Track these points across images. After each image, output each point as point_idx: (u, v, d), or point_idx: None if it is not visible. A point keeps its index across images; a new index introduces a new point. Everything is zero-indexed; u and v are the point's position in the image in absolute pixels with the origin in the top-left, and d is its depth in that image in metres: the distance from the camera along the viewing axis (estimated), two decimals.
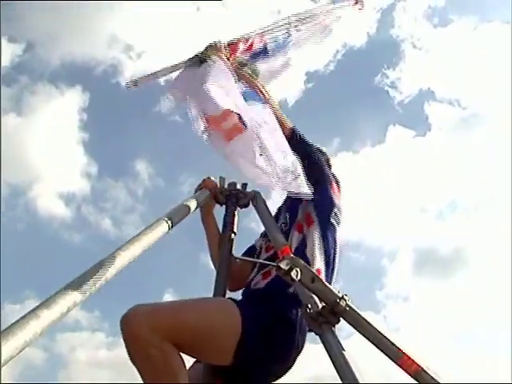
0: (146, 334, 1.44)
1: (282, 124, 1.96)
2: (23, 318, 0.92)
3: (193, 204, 1.84)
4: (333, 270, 1.91)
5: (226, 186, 2.22)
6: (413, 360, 1.48)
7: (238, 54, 2.42)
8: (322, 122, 15.63)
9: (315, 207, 1.94)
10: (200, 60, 2.23)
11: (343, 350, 1.47)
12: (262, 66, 2.50)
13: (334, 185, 2.03)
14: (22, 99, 14.91)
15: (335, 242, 1.93)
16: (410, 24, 15.64)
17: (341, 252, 1.97)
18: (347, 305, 1.51)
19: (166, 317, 1.52)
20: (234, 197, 2.17)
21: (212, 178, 2.16)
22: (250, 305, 1.76)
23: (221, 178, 2.22)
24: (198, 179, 2.23)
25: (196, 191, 2.11)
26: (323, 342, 1.50)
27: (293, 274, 1.49)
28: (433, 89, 15.92)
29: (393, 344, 1.50)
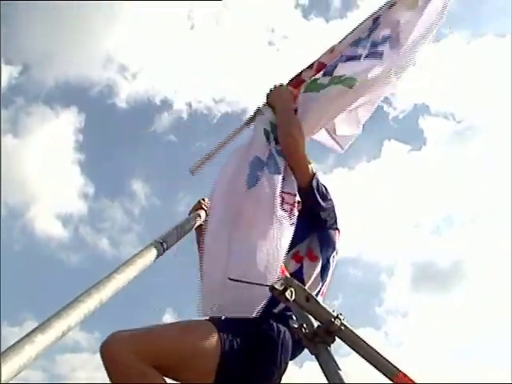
0: (126, 358, 1.46)
1: (299, 172, 1.98)
2: (18, 342, 0.92)
3: (187, 226, 1.86)
4: None
5: None
6: (409, 377, 1.49)
7: (306, 80, 2.27)
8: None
9: (321, 246, 1.99)
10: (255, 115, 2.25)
11: (339, 369, 1.47)
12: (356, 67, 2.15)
13: (338, 234, 2.09)
14: (18, 121, 15.02)
15: (326, 280, 1.99)
16: None
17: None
18: (342, 324, 1.51)
19: (144, 341, 1.54)
20: None
21: (207, 200, 2.17)
22: (232, 325, 1.76)
23: None
24: (194, 198, 2.25)
25: (191, 213, 2.12)
26: (319, 362, 1.50)
27: (287, 294, 1.50)
28: (427, 103, 16.05)
29: (388, 362, 1.51)
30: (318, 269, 1.95)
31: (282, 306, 1.79)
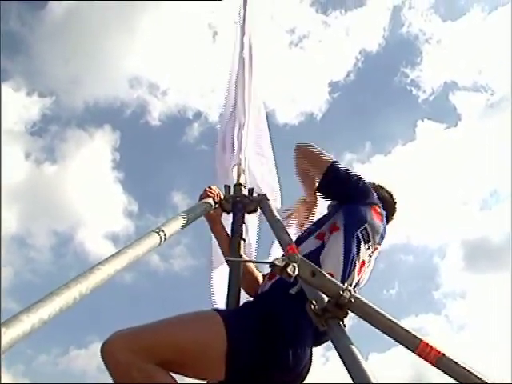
0: (127, 357, 1.40)
1: (317, 164, 2.01)
2: None
3: (191, 215, 1.81)
4: (348, 279, 1.79)
5: (231, 193, 2.18)
6: (431, 346, 1.37)
7: None
8: (352, 128, 15.62)
9: (344, 217, 1.89)
10: None
11: (351, 344, 1.37)
12: None
13: (377, 209, 1.97)
14: (54, 148, 15.46)
15: (357, 256, 1.84)
16: (419, 20, 15.34)
17: (364, 270, 1.90)
18: (352, 296, 1.41)
19: (144, 338, 1.48)
20: (241, 203, 2.12)
21: (214, 187, 2.12)
22: (240, 310, 1.68)
23: (225, 186, 2.19)
24: None
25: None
26: (330, 338, 1.41)
27: (289, 269, 1.42)
28: (455, 80, 15.57)
29: (407, 332, 1.39)
30: (340, 238, 1.82)
31: (299, 286, 1.70)
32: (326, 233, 1.89)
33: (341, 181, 1.96)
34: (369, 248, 1.88)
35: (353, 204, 1.93)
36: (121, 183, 15.20)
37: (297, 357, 1.61)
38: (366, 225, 1.89)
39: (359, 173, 2.02)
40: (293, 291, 1.69)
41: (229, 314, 1.61)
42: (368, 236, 1.88)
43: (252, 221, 2.20)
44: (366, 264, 1.89)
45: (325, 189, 2.01)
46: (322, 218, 2.02)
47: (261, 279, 2.05)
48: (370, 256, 1.91)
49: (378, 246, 1.94)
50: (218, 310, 1.65)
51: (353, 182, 1.97)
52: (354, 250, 1.82)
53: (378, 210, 1.98)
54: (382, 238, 1.97)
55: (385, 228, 1.98)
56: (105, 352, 1.43)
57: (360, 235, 1.86)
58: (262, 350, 1.55)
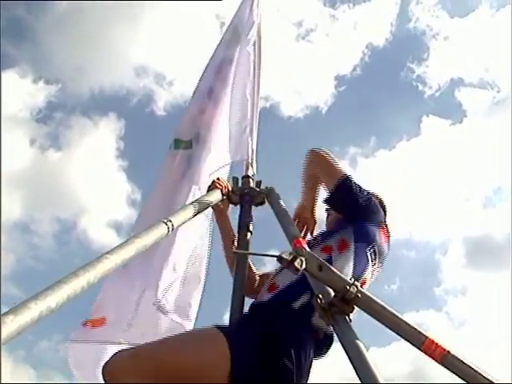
0: (131, 379, 1.39)
1: (331, 173, 1.96)
2: None
3: (198, 206, 1.80)
4: None
5: (239, 185, 2.17)
6: (437, 344, 1.37)
7: None
8: (357, 122, 15.59)
9: (354, 235, 1.85)
10: None
11: (357, 339, 1.37)
12: None
13: (385, 229, 1.95)
14: (59, 135, 15.47)
15: (363, 274, 1.82)
16: (426, 16, 15.27)
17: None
18: (358, 291, 1.41)
19: (147, 359, 1.45)
20: (248, 195, 2.11)
21: (222, 179, 2.11)
22: (244, 325, 1.69)
23: (233, 178, 2.18)
24: None
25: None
26: (336, 333, 1.41)
27: (296, 263, 1.41)
28: (462, 76, 15.53)
29: (413, 328, 1.39)
30: (350, 257, 1.80)
31: (303, 300, 1.68)
32: (334, 248, 1.84)
33: (353, 196, 1.91)
34: (374, 269, 1.88)
35: (362, 222, 1.90)
36: (125, 172, 15.23)
37: (303, 371, 1.61)
38: (376, 246, 1.87)
39: (371, 191, 1.99)
40: (296, 306, 1.68)
41: (232, 333, 1.59)
42: (375, 256, 1.87)
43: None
44: (367, 283, 1.87)
45: (335, 201, 1.97)
46: (325, 232, 2.00)
47: (257, 277, 2.08)
48: (372, 275, 1.89)
49: (380, 265, 1.93)
50: (220, 328, 1.60)
51: (365, 199, 1.93)
52: (361, 269, 1.81)
53: (386, 230, 1.96)
54: (385, 258, 1.95)
55: (388, 249, 1.96)
56: (107, 374, 1.42)
57: (369, 255, 1.85)
58: (263, 365, 1.53)
